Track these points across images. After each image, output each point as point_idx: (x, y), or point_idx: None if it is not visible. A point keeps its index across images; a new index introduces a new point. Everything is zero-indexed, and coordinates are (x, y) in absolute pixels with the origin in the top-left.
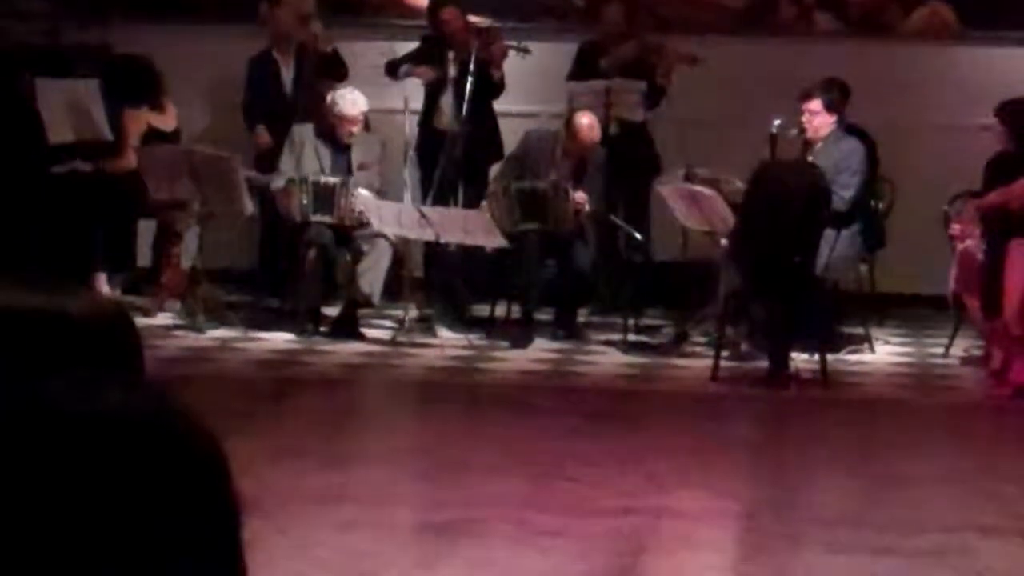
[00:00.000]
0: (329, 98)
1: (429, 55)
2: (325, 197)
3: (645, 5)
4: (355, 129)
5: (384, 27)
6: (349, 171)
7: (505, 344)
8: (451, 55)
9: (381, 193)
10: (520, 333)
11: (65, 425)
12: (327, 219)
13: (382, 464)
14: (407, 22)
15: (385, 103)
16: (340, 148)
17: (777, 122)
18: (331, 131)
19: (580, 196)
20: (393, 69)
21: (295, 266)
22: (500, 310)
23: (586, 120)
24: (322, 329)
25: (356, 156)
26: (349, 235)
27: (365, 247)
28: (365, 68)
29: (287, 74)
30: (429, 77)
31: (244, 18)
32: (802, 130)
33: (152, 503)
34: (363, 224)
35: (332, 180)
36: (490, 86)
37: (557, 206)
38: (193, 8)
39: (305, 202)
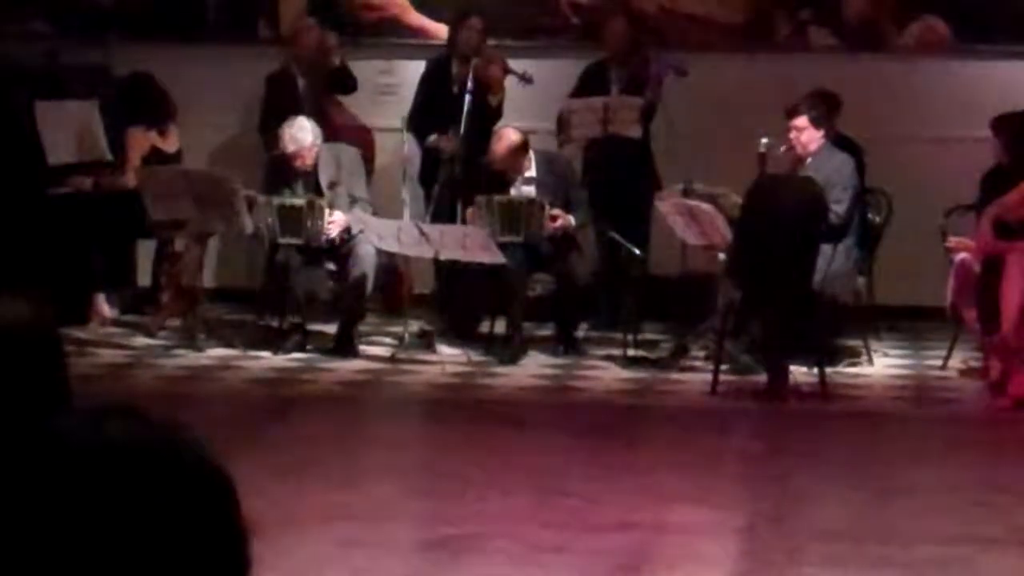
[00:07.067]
0: (279, 133)
1: (433, 80)
2: (291, 219)
3: (645, 22)
4: (308, 160)
5: (383, 47)
6: (318, 191)
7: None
8: (455, 71)
9: (361, 203)
10: (506, 349)
11: (73, 458)
12: (294, 240)
13: (383, 481)
14: (405, 41)
15: (383, 122)
16: (303, 173)
17: (765, 140)
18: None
19: (557, 212)
20: (416, 130)
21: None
22: (500, 326)
23: (498, 133)
24: (308, 347)
25: (323, 177)
26: (331, 251)
27: (351, 262)
28: (363, 86)
29: (303, 92)
30: (452, 147)
31: (244, 39)
32: (791, 147)
33: (162, 531)
34: (344, 241)
35: (298, 201)
36: (488, 111)
37: (529, 216)
38: (192, 29)
39: (270, 222)
